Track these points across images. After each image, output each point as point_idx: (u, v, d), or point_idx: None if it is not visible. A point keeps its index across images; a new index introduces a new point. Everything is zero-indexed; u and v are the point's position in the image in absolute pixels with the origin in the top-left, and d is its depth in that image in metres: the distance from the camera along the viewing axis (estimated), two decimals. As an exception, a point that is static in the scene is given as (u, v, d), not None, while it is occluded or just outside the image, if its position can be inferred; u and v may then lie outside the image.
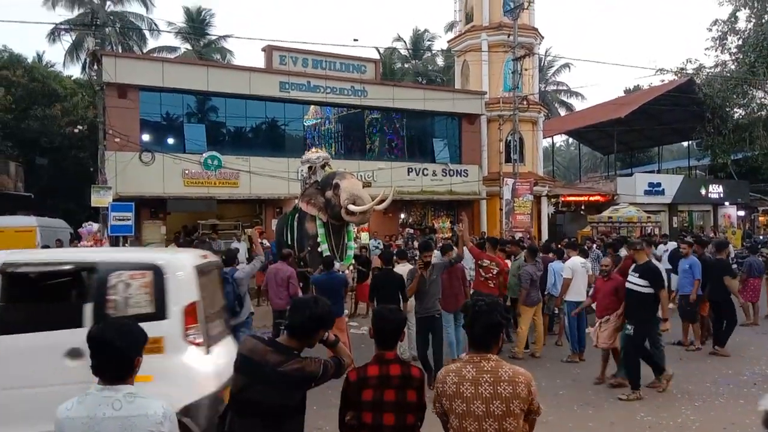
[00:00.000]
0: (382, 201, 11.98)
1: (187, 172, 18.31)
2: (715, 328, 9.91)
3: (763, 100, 29.50)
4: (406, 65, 42.15)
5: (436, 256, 9.22)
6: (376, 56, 28.56)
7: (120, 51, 28.90)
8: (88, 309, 4.71)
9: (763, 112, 29.22)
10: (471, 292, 9.44)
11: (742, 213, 33.19)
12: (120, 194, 16.67)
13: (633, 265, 7.64)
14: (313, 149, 14.81)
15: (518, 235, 18.85)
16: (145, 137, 18.38)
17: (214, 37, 36.68)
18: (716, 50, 29.58)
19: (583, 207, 29.06)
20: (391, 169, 21.40)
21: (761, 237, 27.11)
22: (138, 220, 17.05)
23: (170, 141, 19.09)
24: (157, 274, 4.84)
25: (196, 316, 4.92)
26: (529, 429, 3.02)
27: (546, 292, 10.21)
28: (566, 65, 43.88)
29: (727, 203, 31.88)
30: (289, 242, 12.62)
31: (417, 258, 14.37)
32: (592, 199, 28.71)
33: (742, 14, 28.78)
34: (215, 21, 41.31)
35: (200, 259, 5.44)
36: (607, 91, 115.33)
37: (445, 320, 9.01)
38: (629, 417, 6.58)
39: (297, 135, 21.30)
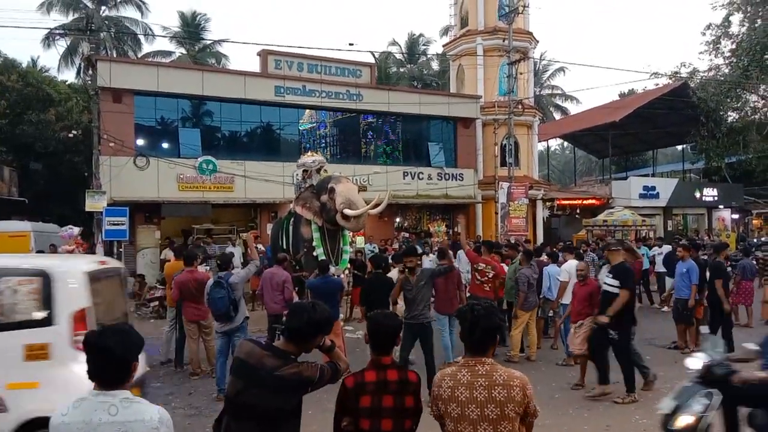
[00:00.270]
0: (377, 205, 11.98)
1: (181, 176, 18.29)
2: (711, 331, 9.93)
3: (756, 103, 29.67)
4: (401, 69, 42.23)
5: (431, 260, 9.24)
6: (372, 60, 28.55)
7: (115, 56, 28.92)
8: None
9: (756, 116, 29.36)
10: (467, 296, 9.47)
11: (736, 216, 33.32)
12: (114, 199, 16.63)
13: (608, 267, 7.69)
14: (309, 153, 14.83)
15: (513, 239, 18.88)
16: (140, 142, 18.35)
17: (209, 42, 36.72)
18: (710, 54, 29.79)
19: (578, 210, 29.10)
20: (386, 173, 21.41)
21: (755, 240, 27.25)
22: (132, 224, 17.02)
23: (165, 145, 19.06)
24: (46, 280, 4.90)
25: (86, 323, 4.92)
26: (527, 432, 3.03)
27: (541, 296, 10.24)
28: (561, 69, 44.09)
29: (721, 206, 32.00)
30: (285, 246, 12.60)
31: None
32: (587, 202, 28.76)
33: (736, 18, 29.00)
34: (210, 25, 41.24)
35: (94, 265, 5.49)
36: (601, 94, 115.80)
37: (440, 324, 9.05)
38: (625, 420, 6.60)
39: (292, 139, 21.29)
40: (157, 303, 14.44)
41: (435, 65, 42.75)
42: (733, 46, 28.71)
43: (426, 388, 3.81)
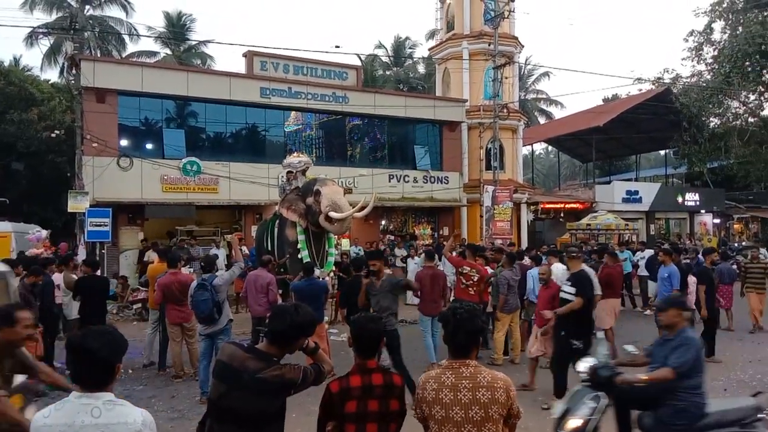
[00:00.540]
0: (362, 208, 12.00)
1: (165, 177, 18.15)
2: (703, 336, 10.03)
3: (737, 110, 29.97)
4: (387, 72, 42.29)
5: (416, 262, 9.28)
6: (358, 63, 28.60)
7: (99, 55, 28.65)
8: None
9: (737, 122, 29.66)
10: (452, 299, 9.52)
11: (717, 221, 33.69)
12: (97, 200, 16.46)
13: (568, 275, 7.74)
14: (296, 153, 14.78)
15: (498, 242, 18.97)
16: (124, 142, 18.18)
17: (194, 42, 36.53)
18: (692, 60, 30.00)
19: (562, 214, 29.31)
20: (372, 175, 21.41)
21: (736, 244, 27.56)
22: (115, 226, 16.86)
23: (149, 146, 18.89)
24: None
25: None
26: (510, 434, 3.05)
27: (525, 298, 10.29)
28: (546, 74, 44.39)
29: (703, 211, 32.35)
30: (269, 249, 12.58)
31: (395, 265, 14.40)
32: (571, 206, 28.98)
33: (718, 25, 29.26)
34: (196, 26, 41.15)
35: None
36: (585, 99, 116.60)
37: (423, 325, 9.11)
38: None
39: (278, 141, 21.23)
40: (139, 305, 14.34)
41: (421, 68, 42.88)
42: (715, 53, 28.98)
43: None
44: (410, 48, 42.64)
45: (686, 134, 29.76)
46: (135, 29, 32.34)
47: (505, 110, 23.01)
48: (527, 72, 43.19)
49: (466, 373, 2.91)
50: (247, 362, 3.03)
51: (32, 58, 41.94)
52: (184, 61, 33.40)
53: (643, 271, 15.71)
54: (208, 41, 36.87)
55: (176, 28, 35.27)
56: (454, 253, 10.57)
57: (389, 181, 21.96)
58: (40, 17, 30.98)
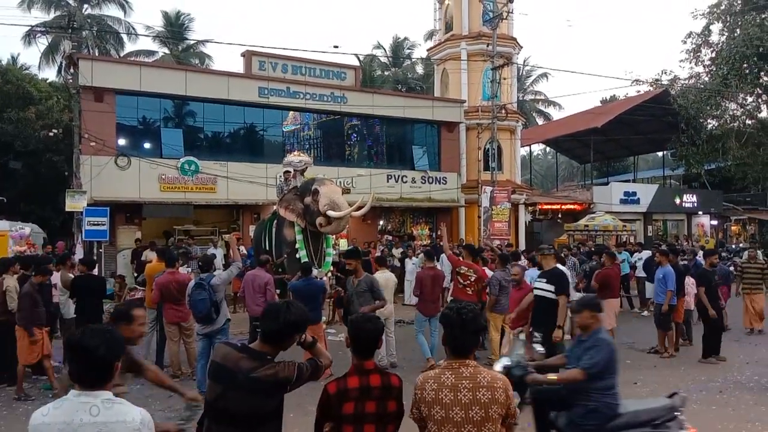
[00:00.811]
0: (360, 207, 11.98)
1: (163, 177, 18.13)
2: (705, 337, 10.04)
3: (735, 111, 29.98)
4: (386, 73, 42.26)
5: (414, 263, 9.28)
6: (356, 63, 28.56)
7: (97, 54, 28.61)
8: None
9: (735, 124, 29.66)
10: (449, 299, 9.52)
11: (715, 222, 33.73)
12: (95, 199, 16.44)
13: (540, 272, 7.77)
14: (296, 152, 14.72)
15: (496, 243, 18.97)
16: (122, 141, 18.16)
17: (192, 42, 36.47)
18: (690, 62, 30.01)
19: (559, 215, 29.31)
20: (370, 175, 21.41)
21: (734, 246, 27.60)
22: (113, 225, 16.85)
23: (147, 145, 18.86)
24: None
25: None
26: (507, 434, 3.05)
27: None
28: (544, 75, 44.36)
29: (700, 212, 32.40)
30: (267, 248, 12.56)
31: (394, 265, 14.37)
32: (568, 207, 28.99)
33: (716, 28, 29.27)
34: (194, 25, 41.07)
35: None
36: (584, 100, 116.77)
37: (418, 325, 9.14)
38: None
39: (276, 141, 21.21)
40: (137, 304, 14.29)
41: (419, 69, 42.86)
42: (713, 55, 28.99)
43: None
44: (409, 48, 42.68)
45: (684, 136, 29.80)
46: (133, 28, 32.36)
47: (503, 111, 23.01)
48: (525, 73, 43.23)
49: (466, 373, 2.91)
50: (241, 362, 3.03)
51: (30, 57, 41.81)
52: (183, 60, 33.35)
53: (640, 272, 15.74)
54: (207, 41, 36.80)
55: (174, 28, 35.23)
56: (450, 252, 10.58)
57: (387, 182, 21.97)
58: (38, 16, 30.94)
